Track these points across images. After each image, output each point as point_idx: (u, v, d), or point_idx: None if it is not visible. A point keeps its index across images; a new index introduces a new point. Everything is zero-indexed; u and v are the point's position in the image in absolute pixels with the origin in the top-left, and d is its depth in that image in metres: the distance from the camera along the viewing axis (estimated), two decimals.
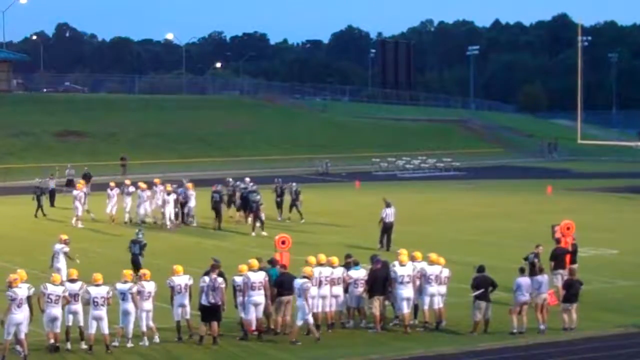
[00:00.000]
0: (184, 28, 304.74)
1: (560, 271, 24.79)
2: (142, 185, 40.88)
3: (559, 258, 25.33)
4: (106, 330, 20.32)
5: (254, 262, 21.81)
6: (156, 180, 42.27)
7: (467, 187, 59.66)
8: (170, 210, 39.20)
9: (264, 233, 37.28)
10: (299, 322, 21.13)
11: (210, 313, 21.07)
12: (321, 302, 21.94)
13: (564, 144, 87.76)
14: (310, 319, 21.27)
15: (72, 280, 20.71)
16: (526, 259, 24.18)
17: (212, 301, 21.03)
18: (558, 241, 26.05)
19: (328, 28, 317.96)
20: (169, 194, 39.32)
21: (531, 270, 23.00)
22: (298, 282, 21.27)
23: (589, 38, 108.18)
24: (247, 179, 42.48)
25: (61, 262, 26.85)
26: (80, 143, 76.66)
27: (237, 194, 41.10)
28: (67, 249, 27.27)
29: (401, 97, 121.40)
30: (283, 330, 21.68)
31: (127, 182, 42.60)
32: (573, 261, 25.94)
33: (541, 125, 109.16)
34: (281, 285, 21.70)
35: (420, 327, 22.27)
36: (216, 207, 39.77)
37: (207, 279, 21.21)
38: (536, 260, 23.60)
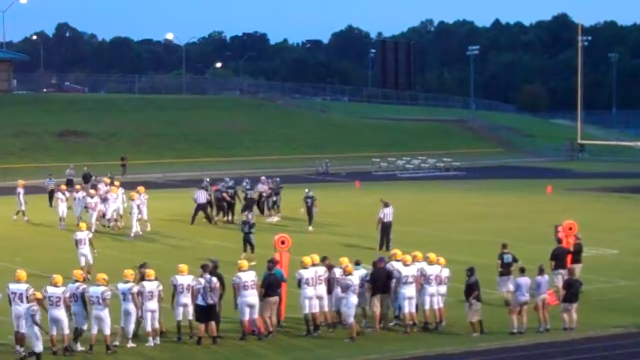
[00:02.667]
0: (184, 28, 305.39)
1: (561, 271, 24.81)
2: (92, 191, 39.86)
3: (559, 258, 25.33)
4: (108, 331, 20.30)
5: (244, 263, 21.86)
6: (108, 181, 41.96)
7: (467, 187, 59.64)
8: (135, 217, 37.41)
9: (310, 228, 38.56)
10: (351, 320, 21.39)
11: (207, 313, 21.07)
12: (318, 302, 21.95)
13: (564, 144, 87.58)
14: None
15: (75, 281, 20.73)
16: (500, 261, 24.55)
17: (210, 302, 21.03)
18: (559, 241, 26.03)
19: (328, 28, 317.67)
20: (132, 199, 37.79)
21: (507, 270, 24.25)
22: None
23: (589, 38, 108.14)
24: (248, 180, 42.80)
25: (86, 249, 28.48)
26: (80, 143, 76.66)
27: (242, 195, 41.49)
28: (91, 235, 29.00)
29: (401, 97, 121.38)
30: (267, 330, 21.64)
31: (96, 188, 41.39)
32: (577, 260, 26.01)
33: (541, 125, 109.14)
34: (268, 286, 21.71)
35: (420, 327, 22.25)
36: (219, 204, 40.89)
37: (202, 279, 21.21)
38: (500, 260, 24.59)
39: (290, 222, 40.52)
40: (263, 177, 43.90)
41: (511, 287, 24.11)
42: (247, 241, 31.93)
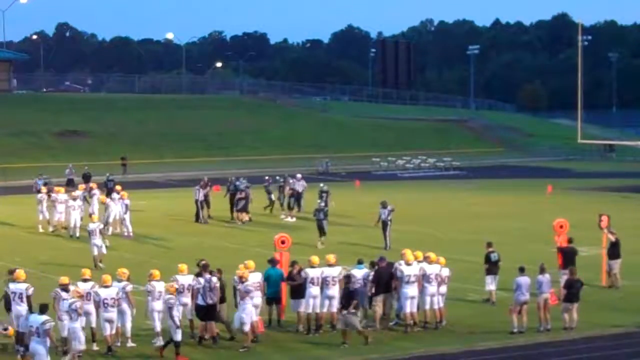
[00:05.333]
0: (184, 28, 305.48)
1: (568, 270, 24.74)
2: (74, 193, 39.05)
3: (567, 256, 25.26)
4: (113, 331, 20.33)
5: (251, 263, 21.81)
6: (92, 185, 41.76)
7: (467, 187, 59.64)
8: (128, 217, 37.36)
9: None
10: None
11: (207, 313, 21.04)
12: (327, 302, 21.94)
13: (564, 143, 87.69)
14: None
15: (85, 280, 20.73)
16: (488, 260, 24.44)
17: (210, 301, 20.99)
18: (569, 241, 25.90)
19: (328, 28, 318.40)
20: (122, 198, 37.46)
21: (494, 269, 24.29)
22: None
23: (589, 37, 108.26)
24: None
25: (98, 240, 30.22)
26: (81, 143, 76.67)
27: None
28: (101, 226, 30.80)
29: (401, 97, 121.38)
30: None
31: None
32: (617, 255, 26.59)
33: (541, 125, 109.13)
34: None
35: (420, 327, 22.24)
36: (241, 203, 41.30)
37: (202, 279, 21.18)
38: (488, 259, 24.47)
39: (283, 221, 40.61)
40: (299, 175, 44.94)
41: (493, 286, 24.23)
42: (320, 227, 34.42)
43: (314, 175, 67.44)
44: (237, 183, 42.05)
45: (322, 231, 34.54)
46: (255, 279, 21.42)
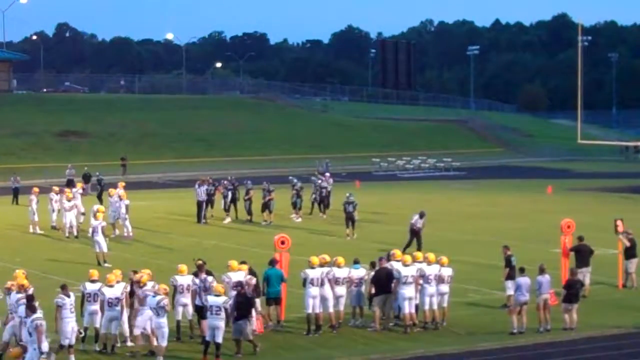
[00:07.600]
0: (184, 28, 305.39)
1: (583, 269, 24.72)
2: (69, 194, 38.13)
3: (582, 255, 25.23)
4: (116, 330, 20.34)
5: (234, 264, 21.86)
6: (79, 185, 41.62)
7: (467, 187, 59.64)
8: (128, 217, 37.02)
9: (324, 216, 41.75)
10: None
11: (204, 313, 21.01)
12: (323, 302, 21.94)
13: (564, 143, 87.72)
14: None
15: (92, 281, 20.71)
16: (508, 264, 24.15)
17: (206, 303, 20.94)
18: (580, 239, 25.85)
19: (328, 28, 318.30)
20: (120, 198, 37.17)
21: (512, 272, 23.60)
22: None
23: (589, 38, 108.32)
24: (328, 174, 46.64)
25: (100, 236, 30.49)
26: (81, 143, 76.70)
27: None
28: (104, 223, 30.90)
29: (401, 97, 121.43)
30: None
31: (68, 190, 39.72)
32: (633, 255, 26.59)
33: (541, 125, 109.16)
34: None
35: (420, 327, 22.24)
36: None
37: (197, 280, 21.19)
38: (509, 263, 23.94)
39: (283, 221, 40.57)
40: (327, 174, 46.09)
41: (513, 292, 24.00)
42: (349, 219, 35.81)
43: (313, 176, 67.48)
44: (265, 184, 41.90)
45: (352, 222, 35.83)
46: (239, 278, 21.40)
